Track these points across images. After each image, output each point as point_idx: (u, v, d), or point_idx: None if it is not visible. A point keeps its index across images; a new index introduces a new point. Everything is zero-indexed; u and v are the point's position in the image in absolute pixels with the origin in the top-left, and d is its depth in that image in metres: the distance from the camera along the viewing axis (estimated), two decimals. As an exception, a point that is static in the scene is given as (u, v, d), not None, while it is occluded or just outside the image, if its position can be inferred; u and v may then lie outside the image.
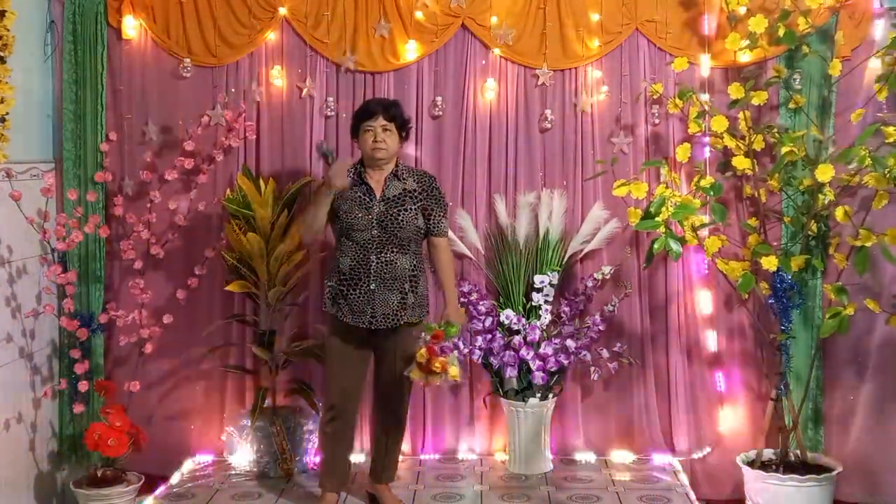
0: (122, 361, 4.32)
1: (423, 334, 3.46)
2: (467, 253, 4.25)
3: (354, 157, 3.74)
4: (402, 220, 3.52)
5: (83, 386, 4.02)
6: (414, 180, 3.63)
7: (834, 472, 3.81)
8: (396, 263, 3.52)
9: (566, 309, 4.18)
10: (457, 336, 3.65)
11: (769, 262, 3.64)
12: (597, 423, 4.35)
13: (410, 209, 3.56)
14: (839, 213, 3.62)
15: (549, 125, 4.27)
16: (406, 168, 3.69)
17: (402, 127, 3.63)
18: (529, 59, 4.25)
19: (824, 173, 3.54)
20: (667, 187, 3.79)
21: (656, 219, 3.50)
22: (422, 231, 3.61)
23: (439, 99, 4.27)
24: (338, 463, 3.71)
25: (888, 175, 3.42)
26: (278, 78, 4.29)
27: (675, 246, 3.46)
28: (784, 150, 3.77)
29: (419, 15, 4.21)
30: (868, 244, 3.56)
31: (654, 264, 4.20)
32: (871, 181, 3.50)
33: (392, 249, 3.52)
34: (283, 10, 4.24)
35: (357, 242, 3.51)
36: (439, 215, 3.64)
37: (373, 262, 3.50)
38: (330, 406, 3.64)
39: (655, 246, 3.48)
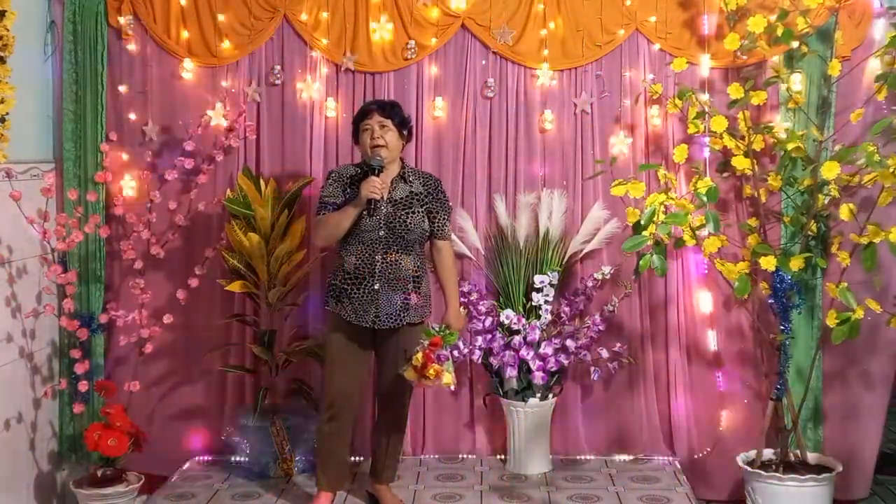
0: (122, 361, 4.32)
1: (422, 338, 3.46)
2: (467, 253, 4.25)
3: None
4: (410, 223, 3.52)
5: (83, 386, 4.02)
6: (420, 182, 3.63)
7: (834, 472, 3.81)
8: (401, 264, 3.52)
9: (566, 309, 4.18)
10: (456, 342, 3.66)
11: (768, 263, 3.64)
12: (597, 423, 4.35)
13: (417, 212, 3.56)
14: (844, 211, 3.61)
15: (549, 125, 4.28)
16: (412, 170, 3.69)
17: (402, 125, 3.63)
18: (529, 59, 4.25)
19: (830, 170, 3.55)
20: (666, 191, 3.78)
21: (643, 233, 3.50)
22: (427, 233, 3.61)
23: (439, 99, 4.28)
24: (335, 462, 3.71)
25: (894, 171, 3.41)
26: (278, 78, 4.30)
27: (658, 263, 3.47)
28: (790, 146, 3.77)
29: (419, 15, 4.22)
30: (877, 240, 3.55)
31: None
32: (879, 177, 3.49)
33: (397, 250, 3.52)
34: (282, 10, 4.24)
35: (363, 242, 3.51)
36: (444, 218, 3.64)
37: (378, 261, 3.50)
38: (329, 404, 3.63)
39: (640, 264, 3.49)
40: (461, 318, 3.72)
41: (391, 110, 3.60)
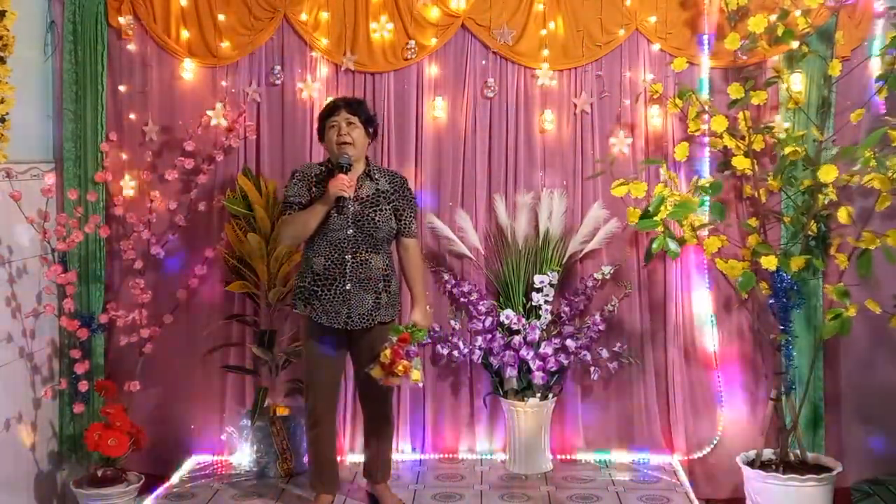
0: (122, 361, 4.31)
1: (390, 335, 3.45)
2: (467, 253, 4.25)
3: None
4: (378, 221, 3.51)
5: (83, 386, 4.02)
6: (386, 181, 3.62)
7: (834, 472, 3.81)
8: (371, 263, 3.51)
9: (566, 309, 4.18)
10: (424, 340, 3.65)
11: (769, 262, 3.64)
12: (597, 422, 4.35)
13: (385, 209, 3.55)
14: (842, 214, 3.62)
15: (549, 125, 4.28)
16: (378, 168, 3.68)
17: (369, 123, 3.62)
18: (529, 59, 4.25)
19: (827, 174, 3.54)
20: (665, 186, 3.79)
21: (654, 218, 3.51)
22: (394, 231, 3.60)
23: (439, 99, 4.28)
24: (326, 464, 3.71)
25: (891, 176, 3.41)
26: (278, 78, 4.30)
27: (672, 245, 3.47)
28: (787, 150, 3.77)
29: (419, 15, 4.22)
30: (872, 247, 3.56)
31: (653, 264, 4.22)
32: (876, 183, 3.50)
33: (366, 249, 3.50)
34: (282, 10, 4.24)
35: (331, 242, 3.50)
36: (410, 216, 3.63)
37: (348, 261, 3.48)
38: (313, 409, 3.63)
39: (654, 245, 3.49)
40: (428, 315, 3.71)
41: (358, 107, 3.59)
